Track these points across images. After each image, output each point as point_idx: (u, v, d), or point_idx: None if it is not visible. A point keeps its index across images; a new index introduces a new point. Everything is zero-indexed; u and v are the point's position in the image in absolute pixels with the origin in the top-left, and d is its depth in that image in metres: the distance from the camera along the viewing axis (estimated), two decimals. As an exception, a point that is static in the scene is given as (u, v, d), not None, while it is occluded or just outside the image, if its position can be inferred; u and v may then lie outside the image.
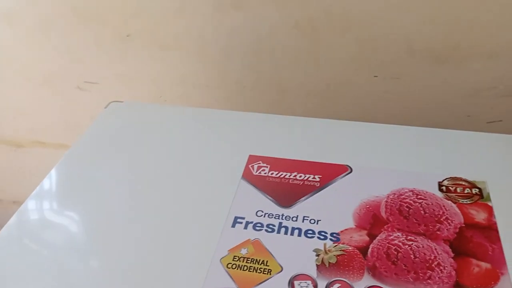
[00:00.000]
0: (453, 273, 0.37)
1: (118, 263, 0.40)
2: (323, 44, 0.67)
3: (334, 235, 0.41)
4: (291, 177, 0.48)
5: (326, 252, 0.40)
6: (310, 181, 0.47)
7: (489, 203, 0.43)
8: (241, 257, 0.40)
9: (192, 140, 0.54)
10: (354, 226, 0.42)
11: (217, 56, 0.71)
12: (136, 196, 0.47)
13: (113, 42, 0.74)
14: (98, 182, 0.49)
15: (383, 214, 0.43)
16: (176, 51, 0.72)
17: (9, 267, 0.41)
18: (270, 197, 0.46)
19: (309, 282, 0.37)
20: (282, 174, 0.48)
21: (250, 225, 0.43)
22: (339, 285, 0.37)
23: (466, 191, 0.45)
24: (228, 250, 0.40)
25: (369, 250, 0.40)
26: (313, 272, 0.38)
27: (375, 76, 0.67)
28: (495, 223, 0.41)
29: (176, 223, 0.44)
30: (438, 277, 0.37)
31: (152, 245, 0.42)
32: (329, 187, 0.47)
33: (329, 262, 0.39)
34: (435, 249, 0.39)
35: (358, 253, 0.40)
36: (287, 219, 0.43)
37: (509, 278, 0.37)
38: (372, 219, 0.43)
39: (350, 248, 0.40)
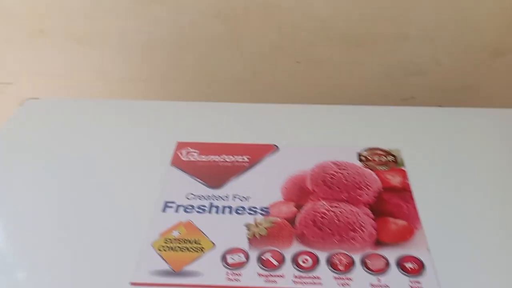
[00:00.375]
0: (374, 232, 0.40)
1: (48, 255, 0.39)
2: (246, 33, 0.68)
3: (264, 209, 0.43)
4: (220, 159, 0.49)
5: (256, 226, 0.41)
6: (239, 162, 0.48)
7: (403, 168, 0.47)
8: (172, 239, 0.40)
9: (116, 132, 0.53)
10: (282, 200, 0.44)
11: (140, 49, 0.70)
12: (63, 188, 0.45)
13: (25, 39, 0.70)
14: (18, 177, 0.47)
15: (308, 186, 0.45)
16: (96, 45, 0.70)
17: None
18: (200, 180, 0.46)
19: (241, 254, 0.38)
20: (211, 158, 0.49)
21: (181, 208, 0.43)
22: (270, 254, 0.38)
23: (382, 159, 0.48)
24: (160, 234, 0.40)
25: (297, 219, 0.41)
26: (245, 246, 0.39)
27: (297, 62, 0.70)
28: (409, 185, 0.45)
29: (106, 213, 0.43)
30: (360, 237, 0.40)
31: (82, 235, 0.40)
32: (257, 166, 0.48)
33: (260, 235, 0.40)
34: (357, 213, 0.42)
35: (287, 223, 0.41)
36: (217, 199, 0.44)
37: (422, 231, 0.40)
38: (298, 192, 0.45)
39: (279, 220, 0.41)
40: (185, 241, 0.40)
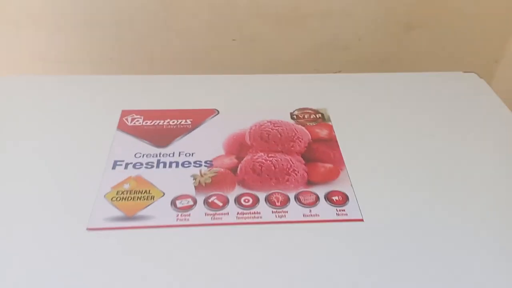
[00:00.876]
0: (305, 174, 0.46)
1: (14, 208, 0.40)
2: (182, 13, 0.72)
3: (208, 162, 0.47)
4: (165, 123, 0.52)
5: (202, 175, 0.45)
6: (182, 124, 0.52)
7: (330, 123, 0.53)
8: (124, 191, 0.43)
9: (61, 106, 0.55)
10: (224, 154, 0.48)
11: (78, 30, 0.72)
12: (25, 153, 0.47)
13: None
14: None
15: (247, 141, 0.50)
16: (32, 26, 0.70)
17: None
18: (146, 141, 0.49)
19: (189, 199, 0.42)
20: (155, 122, 0.52)
21: (130, 165, 0.46)
22: (215, 197, 0.43)
23: (311, 117, 0.54)
24: (111, 187, 0.43)
25: (238, 168, 0.46)
26: (192, 192, 0.43)
27: (233, 40, 0.75)
28: (335, 136, 0.51)
29: (62, 172, 0.45)
30: (294, 179, 0.45)
31: (43, 190, 0.42)
32: (200, 127, 0.52)
33: (205, 183, 0.44)
34: (290, 160, 0.47)
35: (230, 172, 0.46)
36: (164, 156, 0.47)
37: (346, 172, 0.46)
38: (239, 147, 0.49)
39: (222, 170, 0.46)
40: (136, 192, 0.43)
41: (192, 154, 0.48)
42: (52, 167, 0.46)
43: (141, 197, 0.42)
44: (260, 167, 0.46)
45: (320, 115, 0.54)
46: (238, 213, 0.41)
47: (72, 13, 0.70)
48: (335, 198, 0.43)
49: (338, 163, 0.48)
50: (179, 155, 0.48)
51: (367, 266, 0.37)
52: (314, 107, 0.56)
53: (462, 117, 0.56)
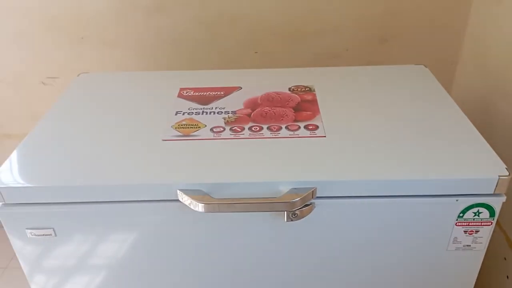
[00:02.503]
0: (294, 117, 0.73)
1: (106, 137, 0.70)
2: (220, 35, 1.03)
3: (233, 111, 0.75)
4: (206, 94, 0.81)
5: (229, 117, 0.73)
6: (218, 94, 0.81)
7: (314, 92, 0.81)
8: (183, 124, 0.72)
9: (138, 92, 0.86)
10: (243, 108, 0.76)
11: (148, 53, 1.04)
12: (109, 127, 0.77)
13: (69, 44, 1.03)
14: (87, 115, 0.78)
15: (259, 101, 0.78)
16: (119, 47, 1.04)
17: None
18: (195, 102, 0.79)
19: (221, 128, 0.70)
20: (201, 93, 0.82)
21: (186, 113, 0.75)
22: (236, 126, 0.70)
23: (302, 89, 0.82)
24: (175, 122, 0.72)
25: (251, 114, 0.74)
26: (222, 125, 0.71)
27: (255, 52, 1.05)
28: (316, 99, 0.78)
29: (145, 118, 0.74)
30: (286, 119, 0.72)
31: (134, 125, 0.72)
32: (229, 95, 0.81)
33: (231, 121, 0.72)
34: (286, 110, 0.75)
35: (246, 116, 0.74)
36: (206, 109, 0.76)
37: (320, 116, 0.73)
38: (253, 104, 0.77)
39: (241, 115, 0.74)
40: (189, 125, 0.72)
41: (223, 108, 0.76)
42: (143, 116, 0.75)
43: (192, 126, 0.71)
44: (265, 113, 0.74)
45: (308, 88, 0.82)
46: (249, 134, 0.69)
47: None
48: (310, 127, 0.70)
49: (315, 112, 0.75)
50: (215, 108, 0.76)
51: (328, 159, 0.64)
52: (304, 84, 0.83)
53: (407, 92, 0.81)
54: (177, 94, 0.82)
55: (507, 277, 0.84)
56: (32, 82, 1.09)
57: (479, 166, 0.61)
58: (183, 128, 0.71)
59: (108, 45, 1.04)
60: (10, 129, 1.16)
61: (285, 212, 0.60)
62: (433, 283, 0.70)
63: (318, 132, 0.69)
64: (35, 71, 1.08)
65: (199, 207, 0.58)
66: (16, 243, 0.64)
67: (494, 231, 0.79)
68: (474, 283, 0.70)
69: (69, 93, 0.84)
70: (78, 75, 0.90)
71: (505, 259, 0.84)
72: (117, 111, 0.77)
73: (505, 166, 0.60)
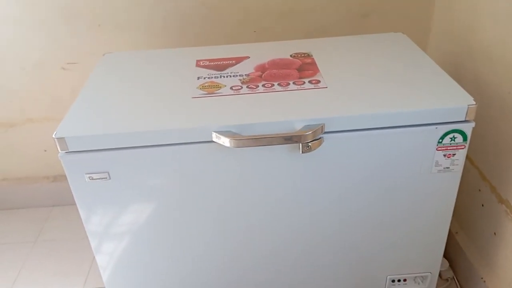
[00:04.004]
0: (298, 75, 0.87)
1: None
2: (222, 14, 1.16)
3: (246, 74, 0.89)
4: (220, 63, 0.95)
5: (244, 79, 0.87)
6: (230, 63, 0.94)
7: (312, 57, 0.95)
8: (205, 86, 0.85)
9: (162, 64, 0.98)
10: (254, 71, 0.90)
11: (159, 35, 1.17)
12: (144, 90, 0.89)
13: (87, 32, 1.15)
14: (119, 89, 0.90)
15: (266, 66, 0.92)
16: (133, 30, 1.16)
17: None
18: (211, 69, 0.92)
19: (238, 86, 0.84)
20: (216, 62, 0.95)
21: (206, 78, 0.88)
22: (252, 84, 0.84)
23: (302, 55, 0.96)
24: (199, 85, 0.85)
25: (262, 76, 0.88)
26: (239, 84, 0.85)
27: (254, 31, 1.18)
28: (315, 62, 0.92)
29: (175, 82, 0.87)
30: (292, 77, 0.86)
31: (167, 90, 0.84)
32: (240, 63, 0.94)
33: (245, 80, 0.86)
34: (291, 71, 0.89)
35: (258, 77, 0.87)
36: (222, 74, 0.89)
37: (320, 73, 0.87)
38: (262, 68, 0.91)
39: (254, 76, 0.87)
40: (211, 86, 0.85)
41: (237, 72, 0.90)
42: (170, 83, 0.88)
43: (214, 86, 0.84)
44: (274, 74, 0.88)
45: (307, 54, 0.96)
46: (264, 89, 0.82)
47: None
48: (313, 81, 0.84)
49: (316, 71, 0.89)
50: (231, 73, 0.90)
51: (331, 102, 0.78)
52: (304, 51, 0.97)
53: (389, 53, 0.96)
54: (195, 65, 0.95)
55: (482, 205, 1.00)
56: (52, 68, 1.20)
57: (453, 99, 0.76)
58: (207, 88, 0.84)
59: (121, 29, 1.16)
60: (32, 113, 1.26)
61: (300, 144, 0.74)
62: (420, 205, 0.84)
63: (320, 85, 0.83)
64: (55, 57, 1.19)
65: (231, 143, 0.72)
66: (75, 187, 0.76)
67: (469, 168, 0.95)
68: (454, 202, 0.85)
69: (100, 69, 0.96)
70: (103, 55, 1.02)
71: (479, 190, 1.00)
72: (147, 79, 0.90)
73: (472, 98, 0.75)
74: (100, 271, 0.90)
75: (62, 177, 1.38)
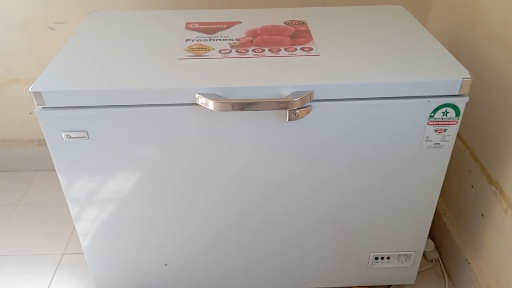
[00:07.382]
0: (290, 42, 0.84)
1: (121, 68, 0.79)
2: None
3: (237, 38, 0.85)
4: (211, 26, 0.91)
5: (233, 43, 0.83)
6: (221, 27, 0.91)
7: (306, 25, 0.91)
8: (193, 48, 0.82)
9: (152, 23, 0.95)
10: (246, 36, 0.86)
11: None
12: (129, 50, 0.86)
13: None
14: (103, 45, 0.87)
15: (258, 32, 0.88)
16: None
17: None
18: (201, 32, 0.88)
19: (228, 50, 0.80)
20: (206, 26, 0.91)
21: (195, 40, 0.85)
22: (241, 48, 0.81)
23: (296, 23, 0.92)
24: (187, 47, 0.82)
25: (253, 41, 0.84)
26: (229, 47, 0.81)
27: None
28: (309, 30, 0.89)
29: (161, 44, 0.83)
30: (284, 43, 0.83)
31: (155, 52, 0.81)
32: (231, 27, 0.91)
33: (236, 45, 0.82)
34: (283, 38, 0.85)
35: (249, 42, 0.84)
36: (212, 37, 0.86)
37: (313, 41, 0.84)
38: (254, 34, 0.88)
39: (244, 41, 0.84)
40: (199, 48, 0.81)
41: (227, 36, 0.86)
42: (157, 43, 0.85)
43: (202, 49, 0.81)
44: (265, 39, 0.84)
45: (301, 22, 0.93)
46: (253, 54, 0.79)
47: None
48: (305, 48, 0.81)
49: (309, 38, 0.85)
50: (220, 37, 0.86)
51: (322, 70, 0.75)
52: (298, 19, 0.94)
53: (387, 24, 0.93)
54: (184, 27, 0.91)
55: (472, 186, 0.98)
56: (39, 28, 1.16)
57: (448, 72, 0.73)
58: (194, 50, 0.81)
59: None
60: (18, 73, 1.22)
61: (287, 111, 0.71)
62: (408, 181, 0.82)
63: (312, 52, 0.80)
64: (42, 16, 1.14)
65: (215, 106, 0.69)
66: (53, 146, 0.74)
67: (460, 148, 0.92)
68: (442, 180, 0.83)
69: (86, 27, 0.92)
70: (90, 13, 0.98)
71: (470, 171, 0.98)
72: (132, 39, 0.86)
73: (468, 71, 0.72)
74: (79, 238, 0.88)
75: (47, 142, 1.35)
